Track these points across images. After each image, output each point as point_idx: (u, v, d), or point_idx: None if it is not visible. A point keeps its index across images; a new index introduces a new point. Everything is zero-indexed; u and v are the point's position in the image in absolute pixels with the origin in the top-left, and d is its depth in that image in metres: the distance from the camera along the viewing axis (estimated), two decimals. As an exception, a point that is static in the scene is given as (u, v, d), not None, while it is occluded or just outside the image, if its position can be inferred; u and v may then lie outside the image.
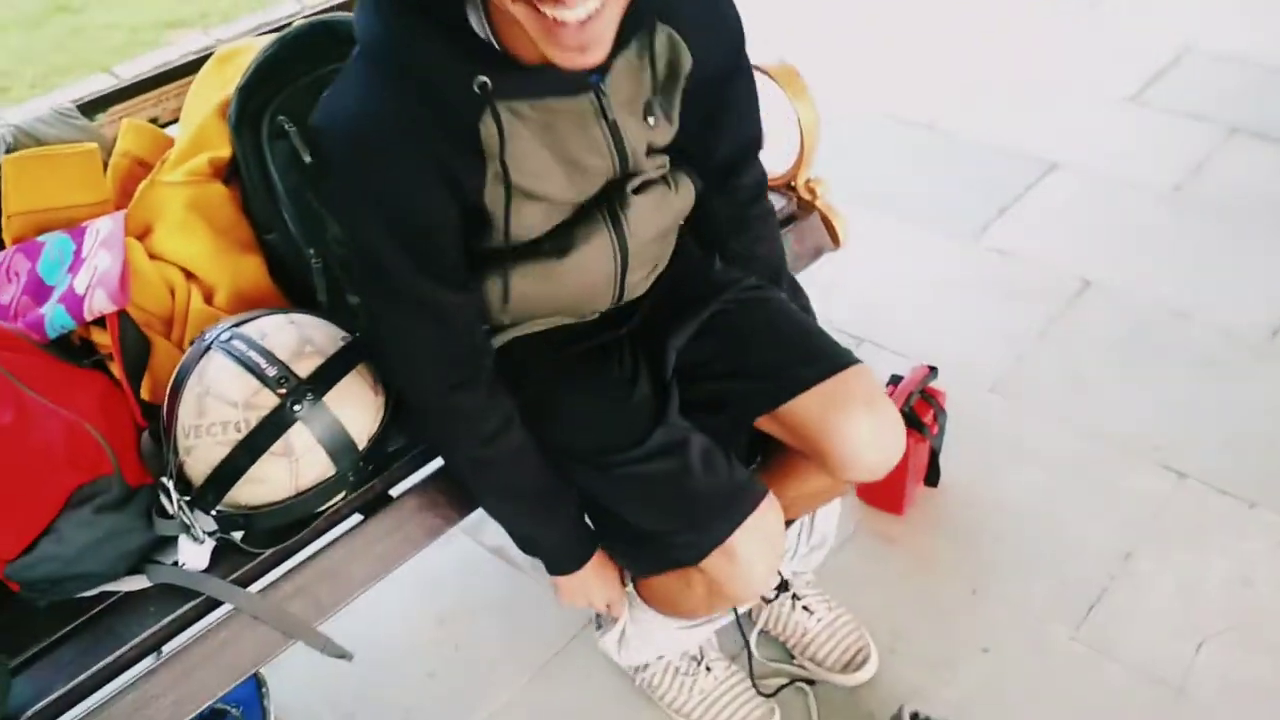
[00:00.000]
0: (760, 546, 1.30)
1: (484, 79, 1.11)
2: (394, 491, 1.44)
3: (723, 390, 1.40)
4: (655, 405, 1.35)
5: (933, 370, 1.87)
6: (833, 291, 2.21)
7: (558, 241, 1.27)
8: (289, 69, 1.41)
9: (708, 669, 1.64)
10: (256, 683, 1.68)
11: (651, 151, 1.30)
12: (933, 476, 1.93)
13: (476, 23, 1.12)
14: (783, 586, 1.70)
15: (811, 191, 1.86)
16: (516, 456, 1.34)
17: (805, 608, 1.69)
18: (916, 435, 1.82)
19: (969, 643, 1.72)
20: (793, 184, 1.87)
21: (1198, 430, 2.04)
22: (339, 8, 1.74)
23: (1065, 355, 2.23)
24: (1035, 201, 2.70)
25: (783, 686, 1.67)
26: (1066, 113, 3.04)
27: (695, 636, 1.59)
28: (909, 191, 2.76)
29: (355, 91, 1.15)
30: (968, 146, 2.93)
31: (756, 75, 1.76)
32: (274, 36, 1.46)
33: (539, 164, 1.18)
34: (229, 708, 1.64)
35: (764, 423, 1.40)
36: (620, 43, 1.12)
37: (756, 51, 1.87)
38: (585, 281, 1.31)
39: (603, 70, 1.18)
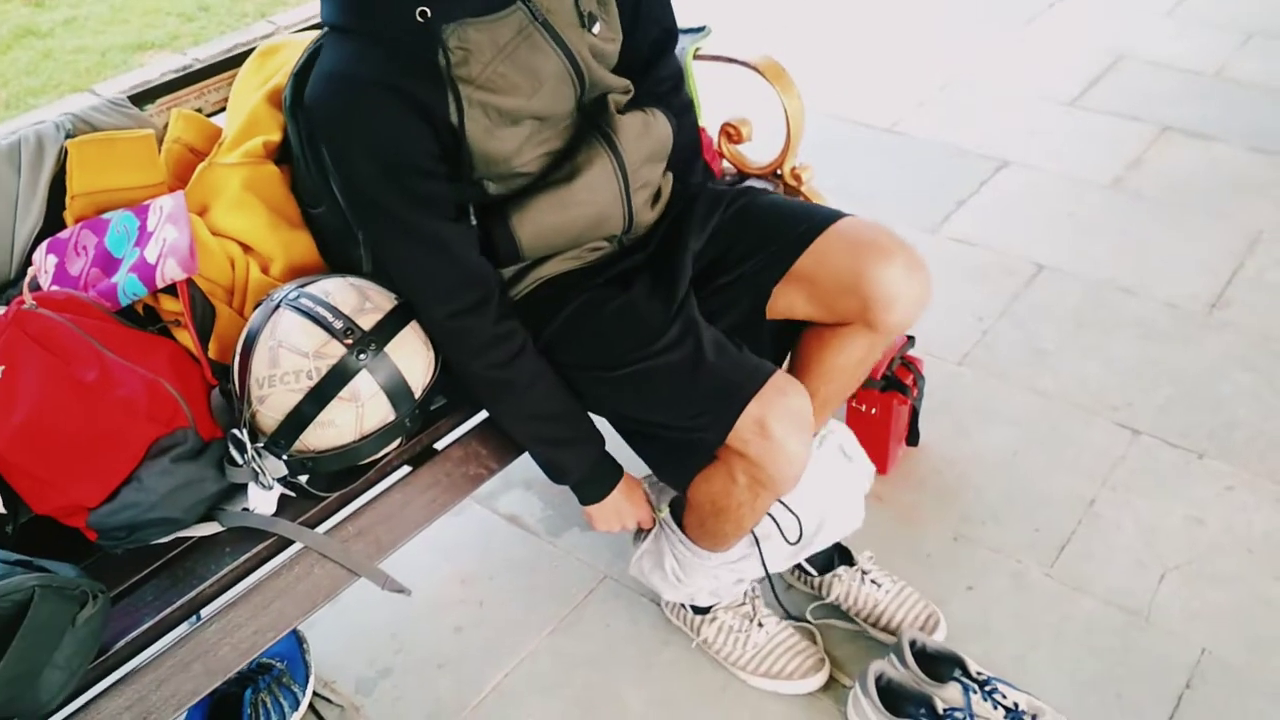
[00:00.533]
0: (788, 422, 1.42)
1: (423, 8, 1.31)
2: (439, 445, 1.57)
3: (740, 276, 1.56)
4: (672, 305, 1.50)
5: (910, 339, 2.04)
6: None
7: (563, 170, 1.45)
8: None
9: (760, 624, 1.75)
10: (298, 639, 1.78)
11: (608, 67, 1.49)
12: (913, 437, 2.09)
13: None
14: (847, 559, 1.84)
15: (797, 178, 2.03)
16: (534, 379, 1.48)
17: (874, 581, 1.80)
18: (899, 397, 1.98)
19: (955, 583, 1.88)
20: (779, 171, 2.03)
21: (1148, 392, 2.23)
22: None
23: (1025, 330, 2.42)
24: (989, 195, 2.90)
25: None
26: (1014, 115, 3.26)
27: (736, 573, 1.70)
28: (874, 189, 2.95)
29: (327, 63, 1.38)
30: (926, 147, 3.13)
31: (744, 72, 1.95)
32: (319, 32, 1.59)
33: (501, 80, 1.36)
34: (274, 662, 1.74)
35: (793, 297, 1.55)
36: None
37: (740, 48, 2.06)
38: (597, 202, 1.47)
39: None
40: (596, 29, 1.46)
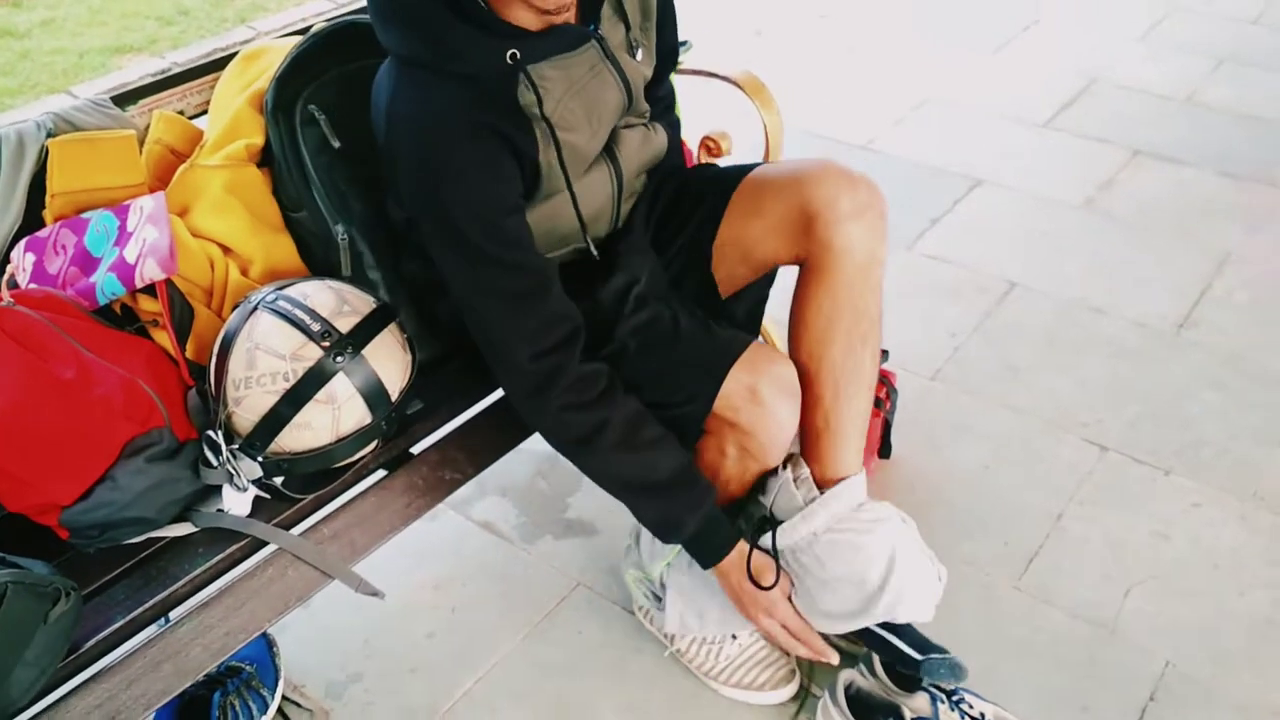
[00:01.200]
0: (776, 387, 1.45)
1: (513, 50, 1.32)
2: (415, 449, 1.58)
3: (683, 242, 1.62)
4: (634, 287, 1.53)
5: (884, 353, 2.06)
6: (787, 294, 2.39)
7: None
8: (319, 63, 1.56)
9: (733, 637, 1.74)
10: (268, 643, 1.78)
11: (643, 83, 1.54)
12: (885, 450, 2.11)
13: (481, 5, 1.34)
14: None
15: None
16: (634, 420, 1.44)
17: None
18: (872, 409, 2.00)
19: (925, 594, 1.90)
20: (757, 183, 2.05)
21: (1116, 409, 2.26)
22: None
23: (997, 347, 2.45)
24: (963, 213, 2.94)
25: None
26: (987, 136, 3.30)
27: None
28: (848, 204, 2.97)
29: (408, 103, 1.36)
30: (901, 165, 3.17)
31: (723, 87, 1.98)
32: (300, 37, 1.61)
33: (570, 116, 1.40)
34: (243, 665, 1.73)
35: (746, 242, 1.58)
36: None
37: (720, 63, 2.08)
38: (593, 206, 1.51)
39: (596, 23, 1.42)
40: (639, 55, 1.50)
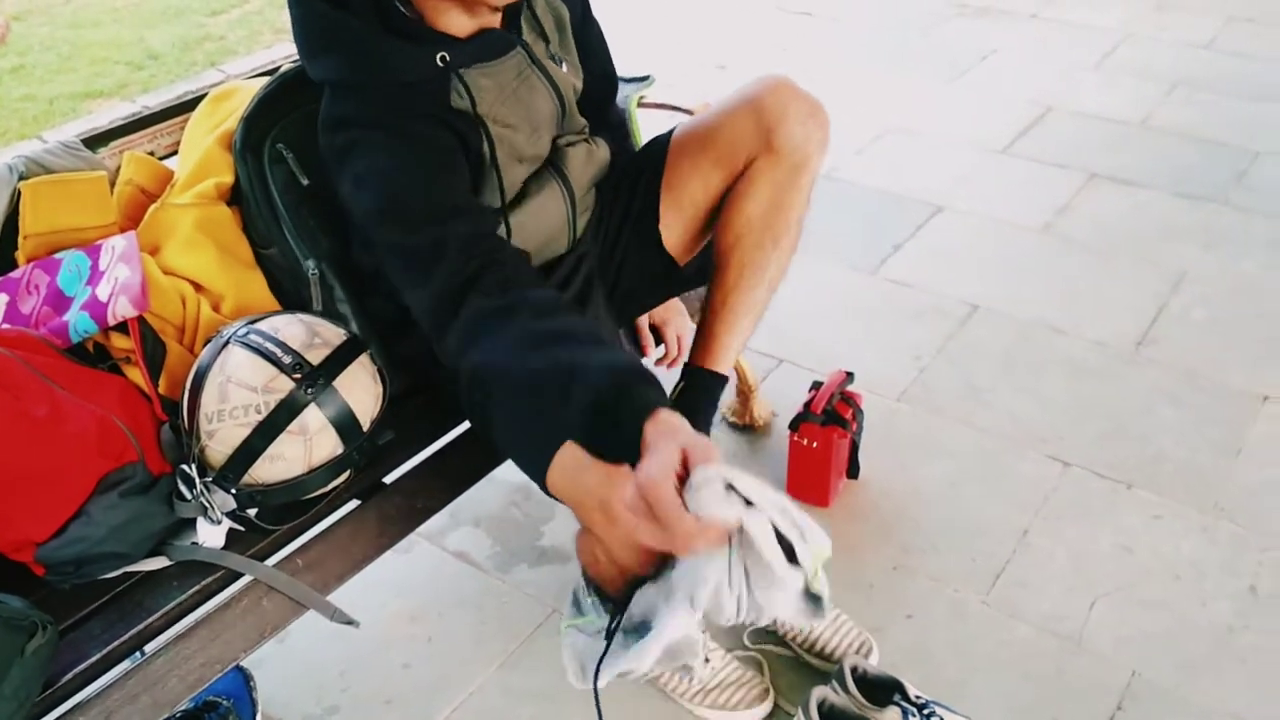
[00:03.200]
0: None
1: (443, 53, 1.40)
2: (387, 479, 1.60)
3: (636, 201, 1.71)
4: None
5: (849, 375, 2.10)
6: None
7: (519, 199, 1.53)
8: (286, 103, 1.59)
9: (705, 660, 1.76)
10: (244, 677, 1.79)
11: (577, 104, 1.61)
12: (853, 470, 2.15)
13: (407, 11, 1.41)
14: None
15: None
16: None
17: None
18: (839, 430, 2.04)
19: (894, 611, 1.93)
20: (720, 212, 2.10)
21: (1078, 426, 2.31)
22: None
23: (960, 367, 2.49)
24: (925, 239, 2.99)
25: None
26: (947, 163, 3.37)
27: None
28: (813, 231, 3.00)
29: (339, 110, 1.43)
30: (863, 192, 3.23)
31: (681, 116, 2.04)
32: (268, 78, 1.64)
33: (511, 116, 1.47)
34: (220, 699, 1.74)
35: (698, 176, 1.67)
36: (516, 6, 1.48)
37: (682, 96, 2.13)
38: (548, 227, 1.57)
39: (518, 31, 1.51)
40: (564, 68, 1.58)
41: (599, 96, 1.74)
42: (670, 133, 1.75)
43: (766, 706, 1.76)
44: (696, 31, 4.40)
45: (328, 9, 1.41)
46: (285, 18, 5.09)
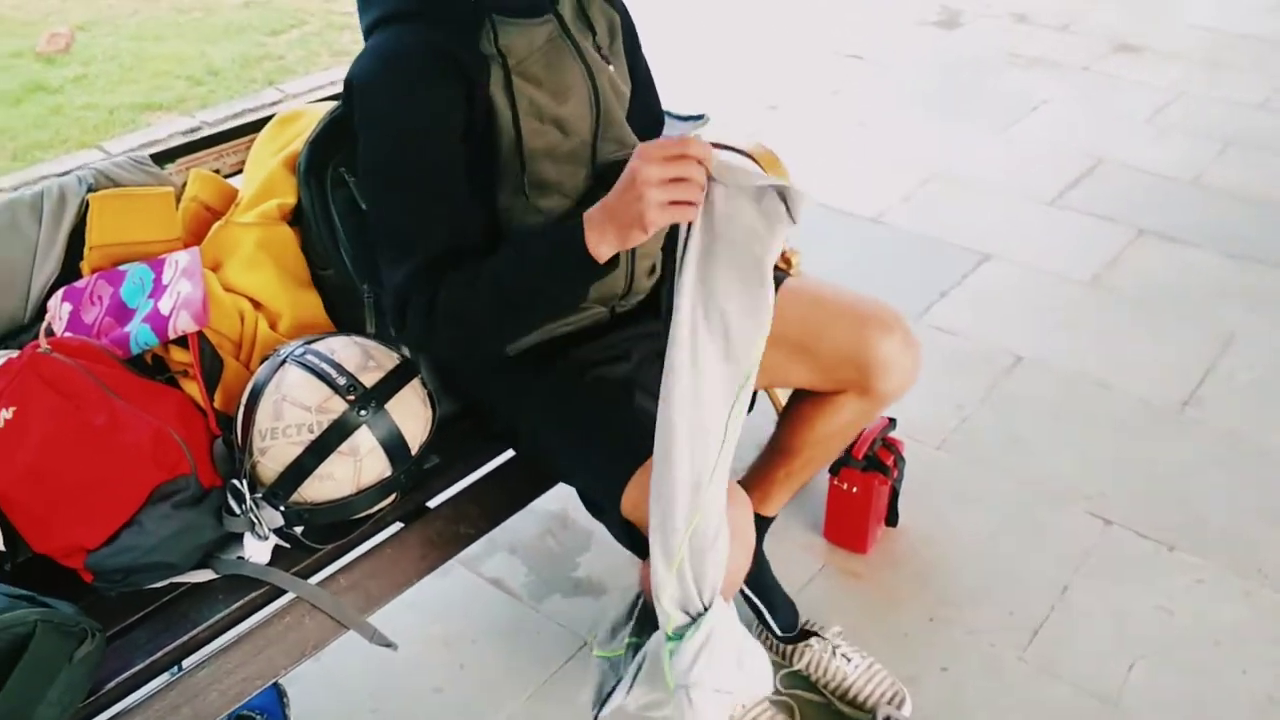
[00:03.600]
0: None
1: None
2: (431, 503, 1.61)
3: None
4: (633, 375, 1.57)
5: (891, 421, 2.10)
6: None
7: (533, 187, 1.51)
8: (349, 129, 1.61)
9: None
10: (279, 693, 1.80)
11: (622, 110, 1.60)
12: (893, 517, 2.14)
13: None
14: (806, 635, 1.87)
15: (787, 261, 2.10)
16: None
17: (844, 656, 1.83)
18: (880, 477, 2.03)
19: (930, 663, 1.91)
20: (770, 253, 2.11)
21: (1121, 483, 2.29)
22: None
23: (1003, 419, 2.48)
24: (971, 287, 2.99)
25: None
26: (995, 212, 3.37)
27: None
28: (859, 276, 3.00)
29: (378, 46, 1.47)
30: (910, 238, 3.23)
31: (739, 158, 2.04)
32: (334, 103, 1.67)
33: (535, 70, 1.47)
34: (254, 714, 1.75)
35: (790, 367, 1.65)
36: None
37: (735, 136, 2.15)
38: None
39: (555, 2, 1.52)
40: (611, 68, 1.59)
41: (641, 131, 1.69)
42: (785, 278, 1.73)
43: None
44: (748, 72, 4.43)
45: None
46: (343, 40, 5.17)
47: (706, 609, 1.34)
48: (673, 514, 1.30)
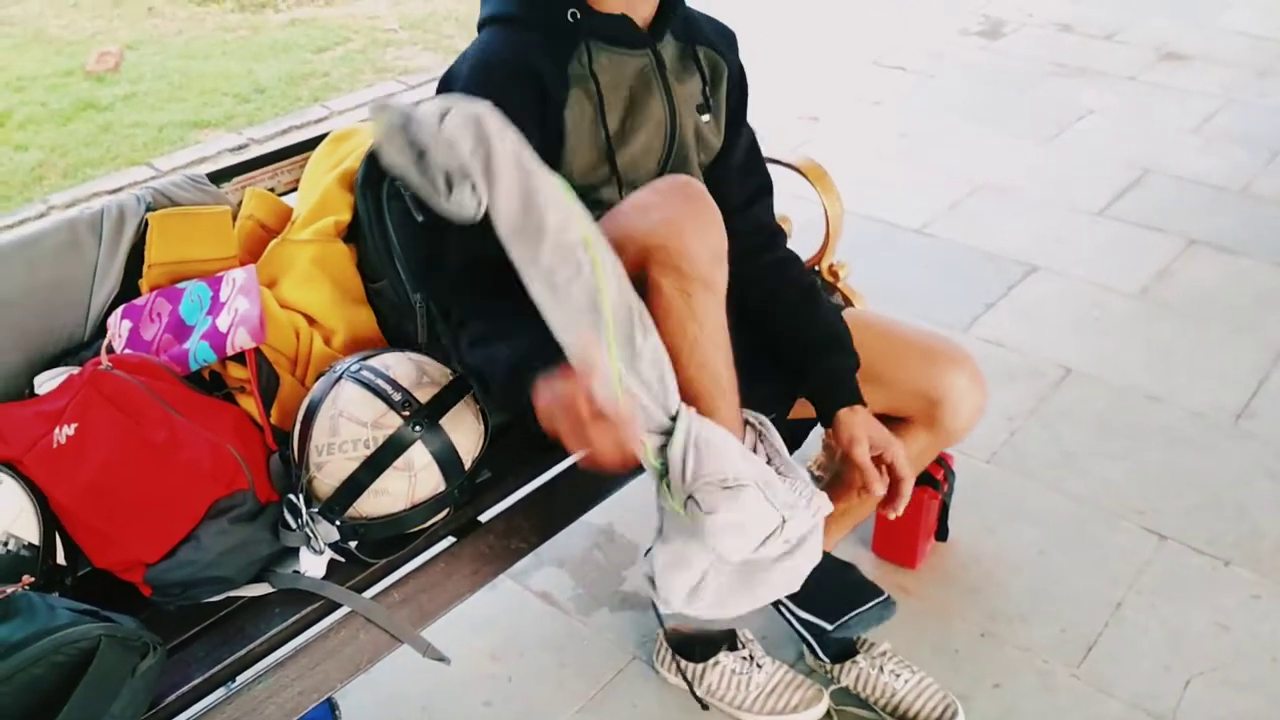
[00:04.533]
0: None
1: (575, 10, 1.49)
2: (483, 518, 1.62)
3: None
4: None
5: (941, 435, 2.08)
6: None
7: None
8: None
9: (759, 666, 1.82)
10: (331, 707, 1.81)
11: (704, 158, 1.63)
12: (942, 532, 2.12)
13: None
14: (853, 651, 1.86)
15: (835, 274, 2.10)
16: None
17: (894, 671, 1.82)
18: (930, 491, 2.02)
19: (982, 679, 1.89)
20: (818, 267, 2.11)
21: (1174, 498, 2.26)
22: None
23: (1053, 432, 2.46)
24: (1018, 299, 2.96)
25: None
26: (1042, 223, 3.34)
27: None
28: (906, 287, 3.02)
29: (474, 48, 1.54)
30: (956, 249, 3.21)
31: (786, 171, 2.04)
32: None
33: (615, 96, 1.53)
34: (307, 727, 1.77)
35: (866, 392, 1.63)
36: (664, 18, 1.56)
37: (781, 150, 2.14)
38: None
39: (658, 41, 1.57)
40: (706, 118, 1.62)
41: (746, 200, 1.73)
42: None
43: (823, 706, 1.80)
44: (790, 83, 4.42)
45: None
46: (386, 57, 5.22)
47: (674, 418, 1.38)
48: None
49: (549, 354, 1.33)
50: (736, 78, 1.70)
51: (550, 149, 1.50)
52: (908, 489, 1.55)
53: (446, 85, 1.55)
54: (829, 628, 1.68)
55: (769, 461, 1.50)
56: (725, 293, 1.43)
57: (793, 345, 1.61)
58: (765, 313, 1.62)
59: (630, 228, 1.40)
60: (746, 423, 1.52)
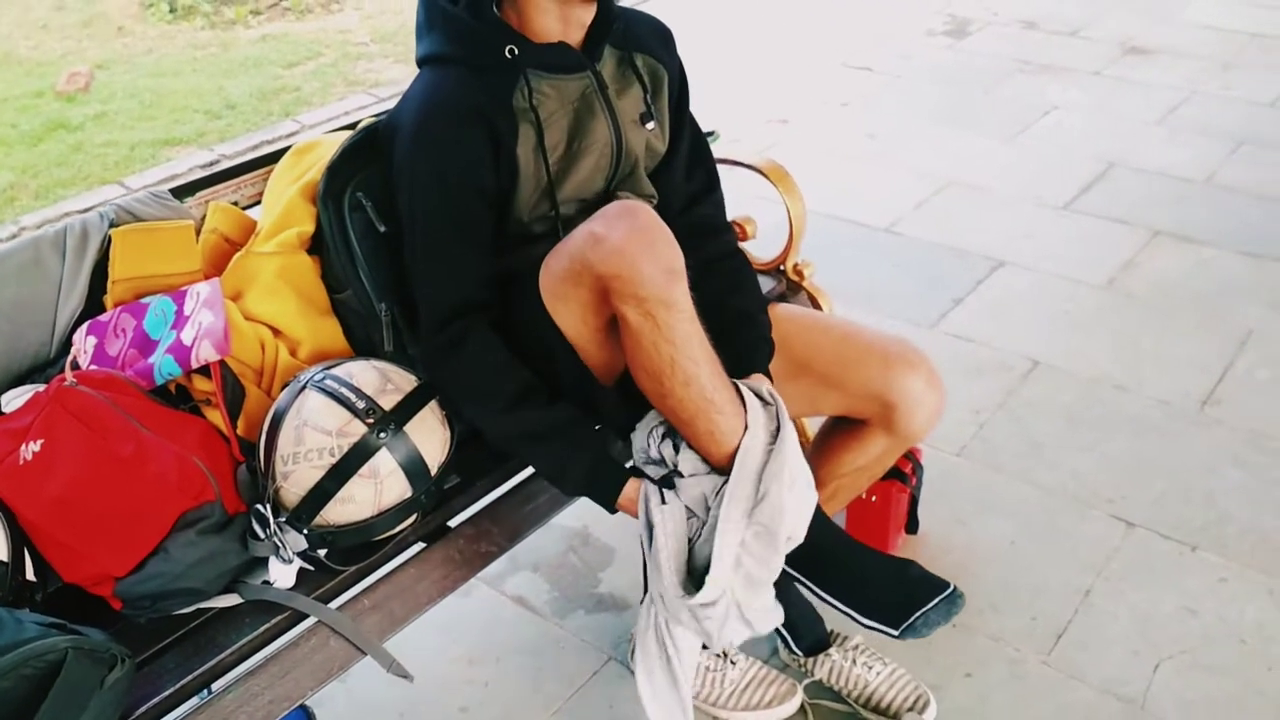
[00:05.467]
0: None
1: (513, 47, 1.51)
2: (452, 523, 1.63)
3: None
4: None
5: (909, 430, 2.10)
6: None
7: (566, 229, 1.56)
8: (367, 155, 1.66)
9: (733, 663, 1.84)
10: (306, 715, 1.82)
11: (650, 165, 1.67)
12: (912, 525, 2.14)
13: (498, 14, 1.56)
14: (825, 644, 1.88)
15: (799, 274, 2.12)
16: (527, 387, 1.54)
17: (866, 664, 1.85)
18: (898, 485, 2.04)
19: (953, 669, 1.92)
20: (783, 266, 2.13)
21: (1142, 486, 2.29)
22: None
23: (1021, 424, 2.48)
24: (986, 294, 2.99)
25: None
26: (1009, 219, 3.37)
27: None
28: (874, 286, 3.05)
29: (417, 92, 1.58)
30: (924, 247, 3.24)
31: (748, 174, 2.06)
32: (350, 132, 1.71)
33: (559, 123, 1.56)
34: (283, 736, 1.77)
35: (817, 395, 1.70)
36: (599, 34, 1.58)
37: (744, 152, 2.16)
38: None
39: (596, 60, 1.59)
40: (650, 126, 1.65)
41: (693, 189, 1.77)
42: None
43: (797, 700, 1.83)
44: (759, 86, 4.45)
45: (436, 0, 1.57)
46: (357, 70, 5.22)
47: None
48: None
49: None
50: (677, 78, 1.72)
51: (505, 188, 1.54)
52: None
53: (393, 128, 1.59)
54: (894, 633, 1.56)
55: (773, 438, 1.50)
56: (691, 306, 1.45)
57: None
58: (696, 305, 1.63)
59: (584, 260, 1.43)
60: (757, 395, 1.52)
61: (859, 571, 1.54)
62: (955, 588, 1.55)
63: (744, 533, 1.44)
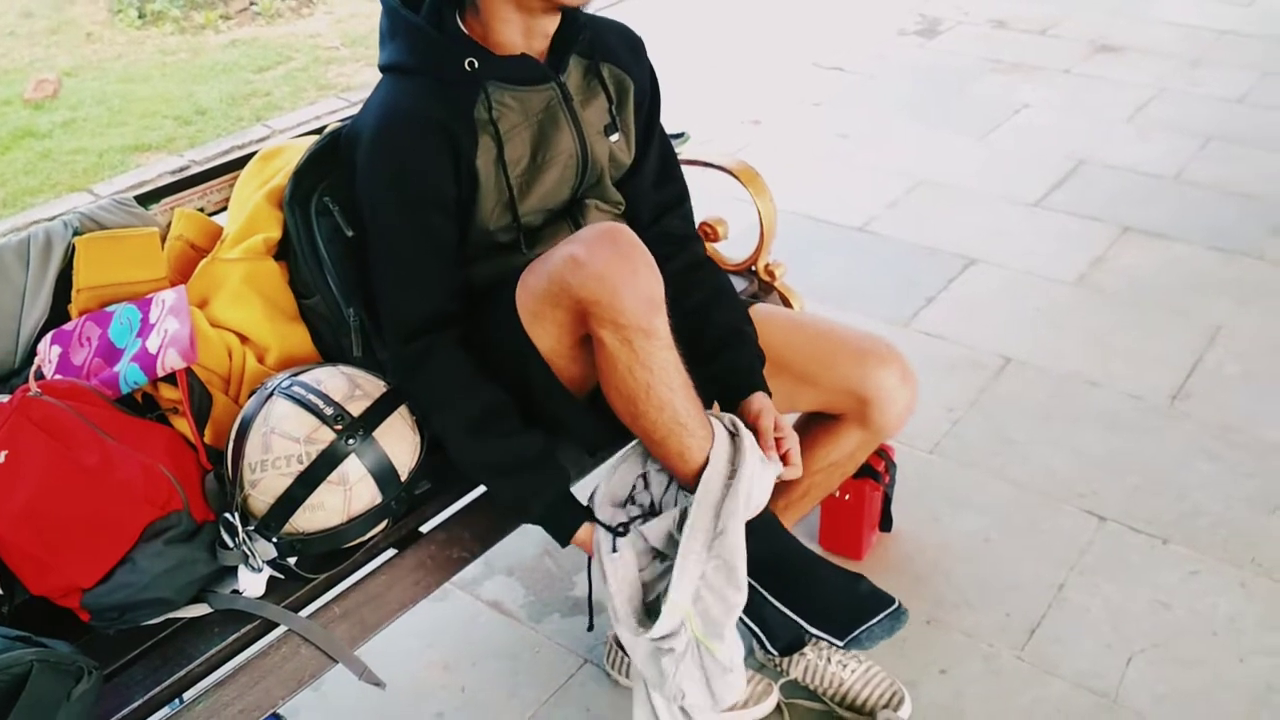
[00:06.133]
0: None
1: (473, 59, 1.50)
2: (423, 529, 1.62)
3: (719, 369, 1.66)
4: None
5: (882, 428, 2.11)
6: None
7: (530, 241, 1.59)
8: (333, 160, 1.65)
9: None
10: (280, 724, 1.80)
11: (615, 175, 1.67)
12: (886, 523, 2.15)
13: (461, 26, 1.54)
14: (800, 644, 1.87)
15: (770, 274, 2.12)
16: (494, 408, 1.53)
17: (841, 662, 1.85)
18: (871, 483, 2.04)
19: (928, 666, 1.92)
20: (754, 267, 2.13)
21: (1113, 480, 2.30)
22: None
23: (994, 420, 2.50)
24: (957, 292, 3.01)
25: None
26: (981, 217, 3.39)
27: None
28: (848, 285, 3.06)
29: (377, 101, 1.56)
30: (896, 246, 3.25)
31: (720, 175, 2.07)
32: (316, 136, 1.70)
33: (522, 135, 1.54)
34: (257, 746, 1.76)
35: (793, 391, 1.71)
36: (565, 44, 1.57)
37: (715, 153, 2.17)
38: None
39: (561, 70, 1.58)
40: (614, 138, 1.64)
41: (661, 199, 1.77)
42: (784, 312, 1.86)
43: (773, 700, 1.83)
44: (730, 87, 4.46)
45: (398, 9, 1.55)
46: (329, 74, 5.19)
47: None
48: None
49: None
50: (646, 88, 1.70)
51: (465, 200, 1.54)
52: (795, 448, 1.59)
53: (354, 136, 1.57)
54: (839, 644, 1.59)
55: (731, 473, 1.51)
56: (669, 334, 1.46)
57: (696, 345, 1.62)
58: (674, 315, 1.63)
59: (563, 282, 1.43)
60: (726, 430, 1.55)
61: (811, 582, 1.58)
62: (900, 605, 1.58)
63: (704, 565, 1.47)
